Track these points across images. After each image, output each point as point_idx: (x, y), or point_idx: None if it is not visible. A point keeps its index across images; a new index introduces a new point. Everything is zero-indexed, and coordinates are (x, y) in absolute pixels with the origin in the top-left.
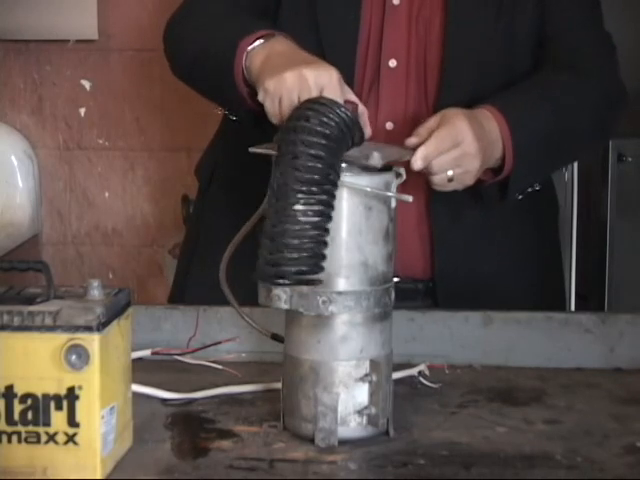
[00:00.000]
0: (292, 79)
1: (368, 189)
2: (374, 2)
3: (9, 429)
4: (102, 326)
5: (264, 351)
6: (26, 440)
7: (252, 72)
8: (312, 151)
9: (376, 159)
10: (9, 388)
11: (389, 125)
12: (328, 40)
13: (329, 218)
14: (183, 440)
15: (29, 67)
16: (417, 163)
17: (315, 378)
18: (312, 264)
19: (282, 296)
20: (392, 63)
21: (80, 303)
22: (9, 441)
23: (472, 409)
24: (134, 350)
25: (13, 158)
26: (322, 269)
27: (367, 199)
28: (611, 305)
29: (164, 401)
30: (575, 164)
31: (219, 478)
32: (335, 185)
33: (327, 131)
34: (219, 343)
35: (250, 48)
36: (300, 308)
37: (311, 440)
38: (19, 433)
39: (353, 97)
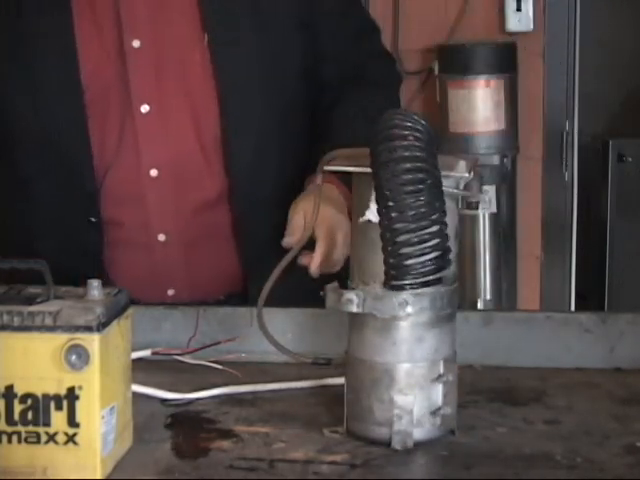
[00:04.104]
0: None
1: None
2: (103, 45)
3: (9, 429)
4: (102, 326)
5: (264, 351)
6: (26, 440)
7: None
8: (416, 153)
9: (462, 168)
10: (9, 388)
11: (153, 172)
12: (44, 87)
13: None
14: (183, 440)
15: None
16: (316, 272)
17: (390, 381)
18: (440, 260)
19: (354, 299)
20: (144, 109)
21: (80, 303)
22: (9, 441)
23: (472, 409)
24: (134, 350)
25: None
26: (450, 263)
27: None
28: (611, 305)
29: (164, 401)
30: (575, 164)
31: (219, 478)
32: (442, 189)
33: (419, 136)
34: (219, 343)
35: None
36: (374, 311)
37: (384, 444)
38: (19, 433)
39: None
